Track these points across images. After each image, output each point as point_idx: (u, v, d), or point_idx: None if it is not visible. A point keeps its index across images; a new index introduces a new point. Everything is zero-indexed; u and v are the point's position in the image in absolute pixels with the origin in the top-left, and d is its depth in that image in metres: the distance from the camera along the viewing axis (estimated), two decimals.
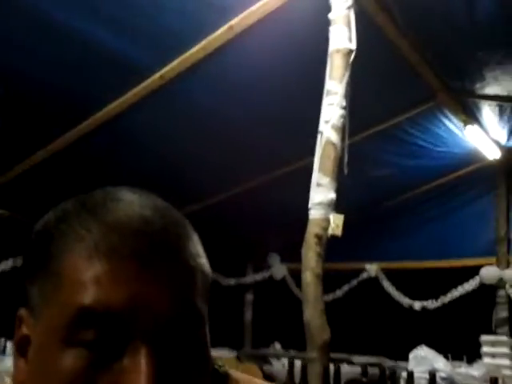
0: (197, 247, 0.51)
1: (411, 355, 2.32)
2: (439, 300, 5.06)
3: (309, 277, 2.70)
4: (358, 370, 2.74)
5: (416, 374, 2.18)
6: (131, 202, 0.49)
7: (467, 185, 5.09)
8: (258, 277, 5.80)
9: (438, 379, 2.15)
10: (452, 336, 4.44)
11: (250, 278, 6.00)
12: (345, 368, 3.29)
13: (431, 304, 5.09)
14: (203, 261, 0.51)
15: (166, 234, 0.48)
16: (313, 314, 2.64)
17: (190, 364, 0.47)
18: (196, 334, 0.48)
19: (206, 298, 0.49)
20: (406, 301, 5.24)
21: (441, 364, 2.20)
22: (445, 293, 5.00)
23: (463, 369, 2.40)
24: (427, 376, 2.11)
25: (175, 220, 0.50)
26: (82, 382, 0.44)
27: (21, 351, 0.51)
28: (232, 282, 5.83)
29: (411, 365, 2.25)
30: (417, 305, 5.17)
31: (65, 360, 0.44)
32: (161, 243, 0.46)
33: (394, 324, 5.25)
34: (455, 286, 4.95)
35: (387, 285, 5.36)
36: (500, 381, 2.12)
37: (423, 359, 2.23)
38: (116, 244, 0.45)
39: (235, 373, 0.62)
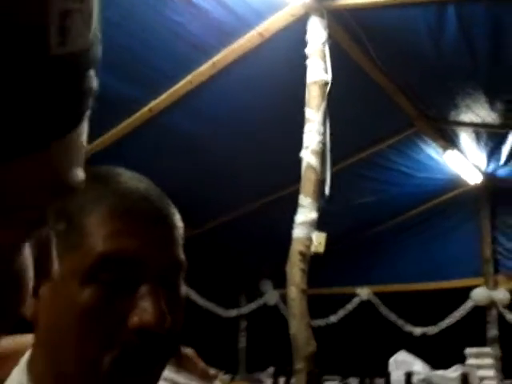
0: (177, 212, 0.66)
1: (391, 360, 2.45)
2: (438, 325, 5.18)
3: (294, 292, 2.84)
4: None
5: (395, 378, 2.30)
6: (131, 177, 0.64)
7: (451, 209, 5.26)
8: (254, 305, 5.90)
9: (415, 381, 2.27)
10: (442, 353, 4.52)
11: (247, 307, 6.08)
12: None
13: (431, 330, 5.20)
14: (181, 222, 0.66)
15: (161, 201, 0.63)
16: (298, 327, 2.78)
17: (175, 299, 0.61)
18: (180, 277, 0.63)
19: (182, 249, 0.65)
20: (407, 327, 5.34)
21: (419, 367, 2.32)
22: (436, 314, 5.11)
23: (441, 371, 2.51)
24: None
25: (161, 192, 0.66)
26: (98, 311, 0.56)
27: None
28: (233, 313, 5.90)
29: (391, 369, 2.37)
30: (417, 331, 5.28)
31: (83, 295, 0.55)
32: (160, 207, 0.62)
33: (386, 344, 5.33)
34: (445, 308, 5.07)
35: (385, 311, 5.47)
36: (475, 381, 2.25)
37: (402, 363, 2.36)
38: (129, 207, 0.59)
39: (184, 348, 0.78)
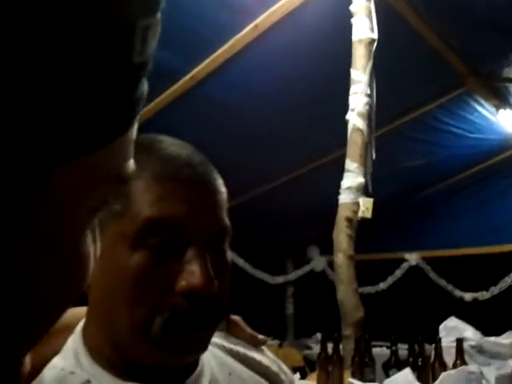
0: (220, 177, 0.66)
1: (441, 326, 2.40)
2: (489, 291, 5.07)
3: (340, 258, 2.80)
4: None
5: (445, 344, 2.25)
6: (173, 143, 0.64)
7: (506, 170, 5.06)
8: (301, 271, 5.90)
9: (466, 347, 2.21)
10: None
11: (294, 274, 6.10)
12: (383, 351, 3.37)
13: (482, 295, 5.09)
14: (224, 187, 0.66)
15: (205, 166, 0.63)
16: (346, 293, 2.74)
17: (222, 263, 0.62)
18: (225, 242, 0.63)
19: (227, 214, 0.65)
20: (457, 292, 5.24)
21: (470, 333, 2.26)
22: (487, 279, 4.99)
23: (493, 338, 2.45)
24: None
25: (203, 157, 0.65)
26: (148, 275, 0.57)
27: None
28: (280, 280, 5.93)
29: (441, 335, 2.32)
30: (468, 296, 5.18)
31: (132, 259, 0.57)
32: (203, 173, 0.61)
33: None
34: (497, 273, 4.94)
35: (435, 276, 5.38)
36: None
37: (453, 329, 2.30)
38: (173, 173, 0.59)
39: (233, 316, 0.78)
